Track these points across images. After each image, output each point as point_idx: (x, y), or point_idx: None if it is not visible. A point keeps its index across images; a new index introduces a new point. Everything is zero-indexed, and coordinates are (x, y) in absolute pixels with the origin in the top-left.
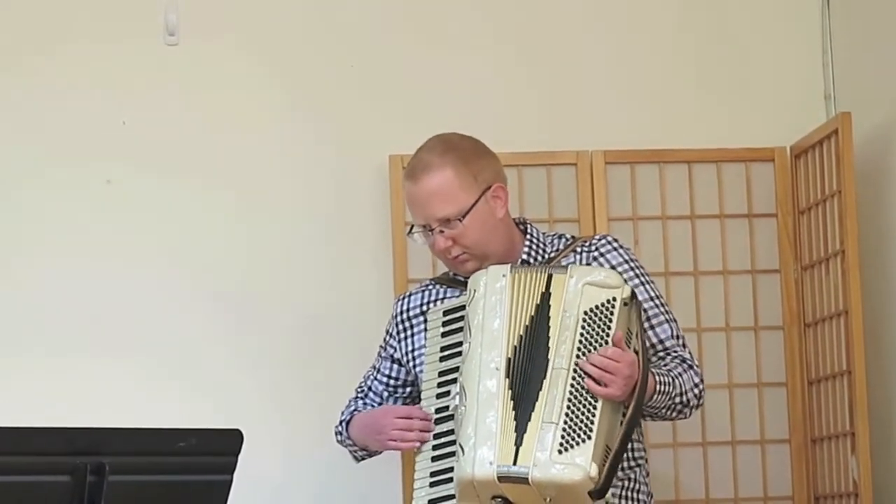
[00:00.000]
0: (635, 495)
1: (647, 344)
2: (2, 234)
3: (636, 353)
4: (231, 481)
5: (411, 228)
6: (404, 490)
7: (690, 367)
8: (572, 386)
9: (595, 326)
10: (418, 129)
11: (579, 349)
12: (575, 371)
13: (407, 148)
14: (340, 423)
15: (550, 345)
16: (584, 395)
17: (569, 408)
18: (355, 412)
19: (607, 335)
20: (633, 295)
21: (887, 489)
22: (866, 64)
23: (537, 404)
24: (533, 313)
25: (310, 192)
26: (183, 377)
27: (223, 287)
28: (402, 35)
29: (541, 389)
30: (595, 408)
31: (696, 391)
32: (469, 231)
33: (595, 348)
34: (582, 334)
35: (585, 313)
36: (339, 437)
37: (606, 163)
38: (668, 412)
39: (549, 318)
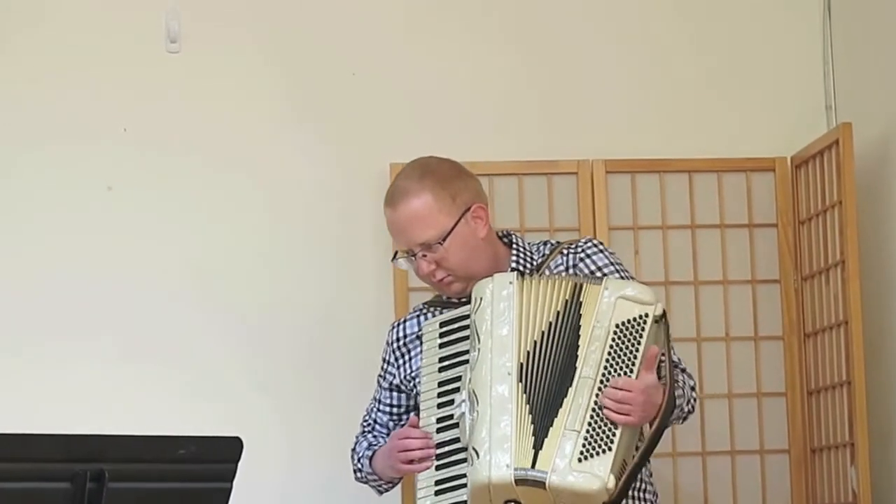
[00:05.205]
0: (642, 494)
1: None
2: (3, 240)
3: (661, 363)
4: (230, 489)
5: (395, 254)
6: (403, 500)
7: (683, 370)
8: (597, 396)
9: (625, 340)
10: (419, 137)
11: (608, 361)
12: (602, 382)
13: (408, 156)
14: (358, 460)
15: (579, 353)
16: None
17: (592, 417)
18: (371, 448)
19: (637, 350)
20: (664, 313)
21: (886, 500)
22: (867, 74)
23: (560, 410)
24: (552, 320)
25: (311, 200)
26: (184, 386)
27: (223, 295)
28: (403, 44)
29: (565, 396)
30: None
31: (693, 394)
32: (451, 253)
33: (623, 362)
34: (612, 346)
35: (617, 326)
36: (358, 475)
37: (607, 172)
38: (675, 421)
39: (579, 326)
